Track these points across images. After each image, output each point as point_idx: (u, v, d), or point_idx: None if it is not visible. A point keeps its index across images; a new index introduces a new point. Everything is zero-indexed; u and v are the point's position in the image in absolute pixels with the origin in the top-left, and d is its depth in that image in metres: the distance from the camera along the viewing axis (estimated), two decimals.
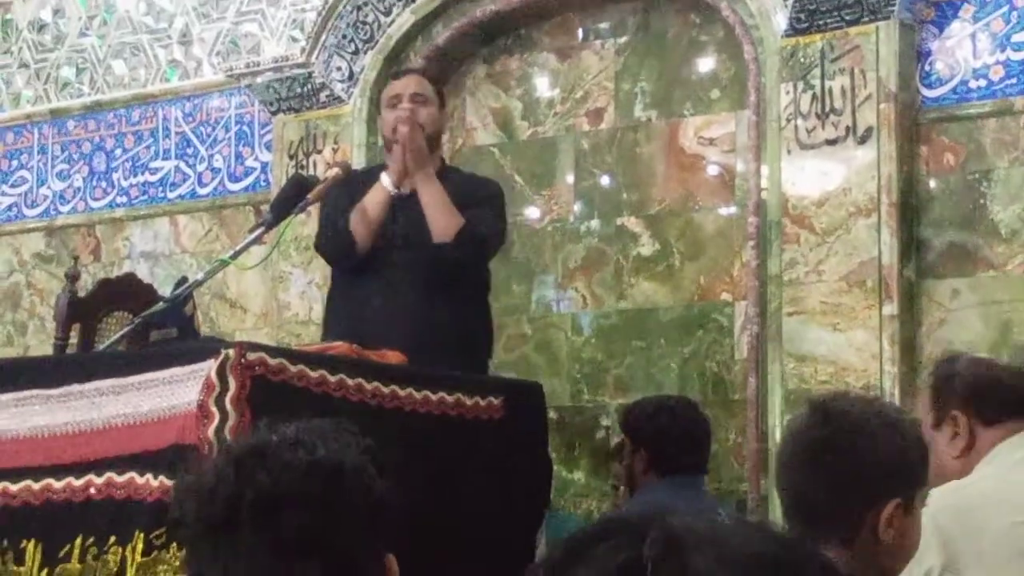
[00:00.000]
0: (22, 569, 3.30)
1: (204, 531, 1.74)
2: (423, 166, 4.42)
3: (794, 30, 5.43)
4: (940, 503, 2.80)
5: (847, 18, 5.33)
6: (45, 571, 3.27)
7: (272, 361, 3.27)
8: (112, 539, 3.19)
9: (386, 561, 1.80)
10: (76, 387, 3.39)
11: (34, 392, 3.46)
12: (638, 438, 4.65)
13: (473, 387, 3.95)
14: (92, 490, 3.28)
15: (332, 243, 4.52)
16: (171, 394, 3.27)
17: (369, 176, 4.60)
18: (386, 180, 4.45)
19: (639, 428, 4.66)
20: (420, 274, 4.35)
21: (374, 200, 4.44)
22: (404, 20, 6.36)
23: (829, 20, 5.36)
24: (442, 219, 4.34)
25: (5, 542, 3.34)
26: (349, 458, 1.78)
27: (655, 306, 5.95)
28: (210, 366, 3.17)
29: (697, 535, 1.06)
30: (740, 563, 1.04)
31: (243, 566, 1.71)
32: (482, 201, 4.47)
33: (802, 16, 5.39)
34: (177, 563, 3.12)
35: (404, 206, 4.45)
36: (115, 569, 3.17)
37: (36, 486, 3.37)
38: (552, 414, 4.88)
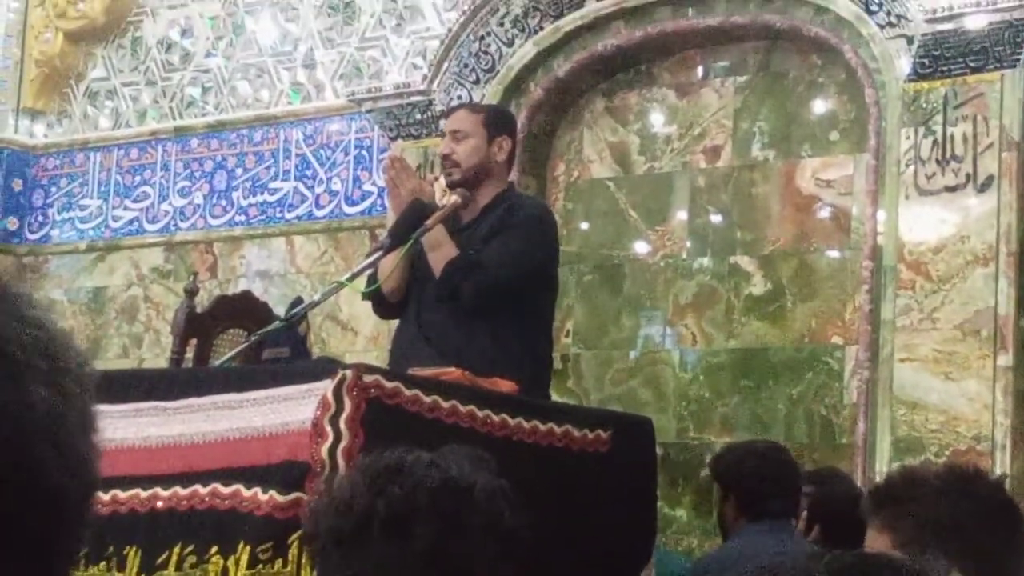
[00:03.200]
0: (122, 575, 3.35)
1: (336, 541, 1.78)
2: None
3: (917, 75, 5.39)
4: None
5: (972, 65, 5.29)
6: None
7: (388, 384, 3.30)
8: (214, 549, 3.23)
9: None
10: (194, 400, 3.45)
11: (152, 404, 3.52)
12: (727, 484, 4.63)
13: (582, 419, 3.96)
14: (196, 500, 3.32)
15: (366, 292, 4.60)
16: (285, 411, 3.31)
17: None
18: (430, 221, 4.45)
19: (727, 474, 4.64)
20: (445, 303, 4.38)
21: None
22: (526, 51, 6.41)
23: (953, 66, 5.32)
24: (432, 258, 4.38)
25: (111, 548, 3.39)
26: (481, 481, 1.81)
27: (765, 346, 5.93)
28: (327, 386, 3.21)
29: None
30: None
31: None
32: (511, 227, 4.45)
33: (926, 61, 5.36)
34: None
35: None
36: None
37: (144, 494, 3.42)
38: (657, 450, 4.87)
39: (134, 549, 3.35)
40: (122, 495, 3.44)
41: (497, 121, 4.67)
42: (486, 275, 4.31)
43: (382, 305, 4.68)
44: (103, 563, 3.38)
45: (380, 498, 1.76)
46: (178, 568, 3.27)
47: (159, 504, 3.38)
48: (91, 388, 0.94)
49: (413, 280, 4.53)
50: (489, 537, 1.79)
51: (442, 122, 6.28)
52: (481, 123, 4.57)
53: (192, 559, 3.25)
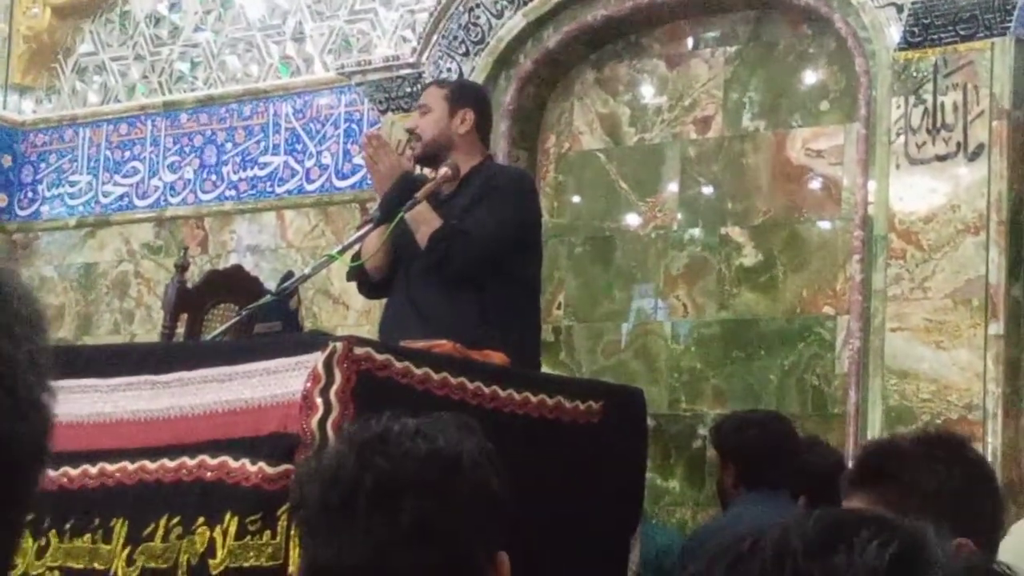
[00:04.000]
0: (108, 547, 3.36)
1: (322, 513, 1.77)
2: (390, 178, 4.46)
3: (907, 44, 5.38)
4: None
5: (962, 33, 5.28)
6: (128, 548, 3.32)
7: (379, 357, 3.31)
8: (200, 520, 3.23)
9: (498, 557, 1.82)
10: (185, 374, 3.45)
11: (143, 378, 3.53)
12: (726, 453, 4.65)
13: (574, 390, 3.97)
14: (183, 472, 3.32)
15: (353, 274, 4.61)
16: (275, 383, 3.31)
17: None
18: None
19: (726, 443, 4.66)
20: (432, 278, 4.39)
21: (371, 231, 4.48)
22: (515, 23, 6.38)
23: (944, 35, 5.31)
24: (417, 230, 4.40)
25: (97, 520, 3.40)
26: (468, 451, 1.80)
27: (756, 317, 5.93)
28: (317, 358, 3.21)
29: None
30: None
31: (359, 549, 1.74)
32: (491, 194, 4.48)
33: (916, 30, 5.35)
34: (270, 550, 3.15)
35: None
36: (202, 550, 3.21)
37: (131, 467, 3.42)
38: (649, 421, 4.88)
39: (120, 521, 3.36)
40: (110, 468, 3.44)
41: (460, 94, 4.73)
42: (471, 241, 4.33)
43: (367, 284, 4.69)
44: (88, 535, 3.39)
45: (367, 470, 1.75)
46: (164, 539, 3.28)
47: (146, 476, 3.38)
48: (43, 330, 0.92)
49: (399, 257, 4.54)
50: (477, 506, 1.78)
51: None
52: (443, 97, 4.65)
53: (178, 530, 3.25)
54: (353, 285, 6.49)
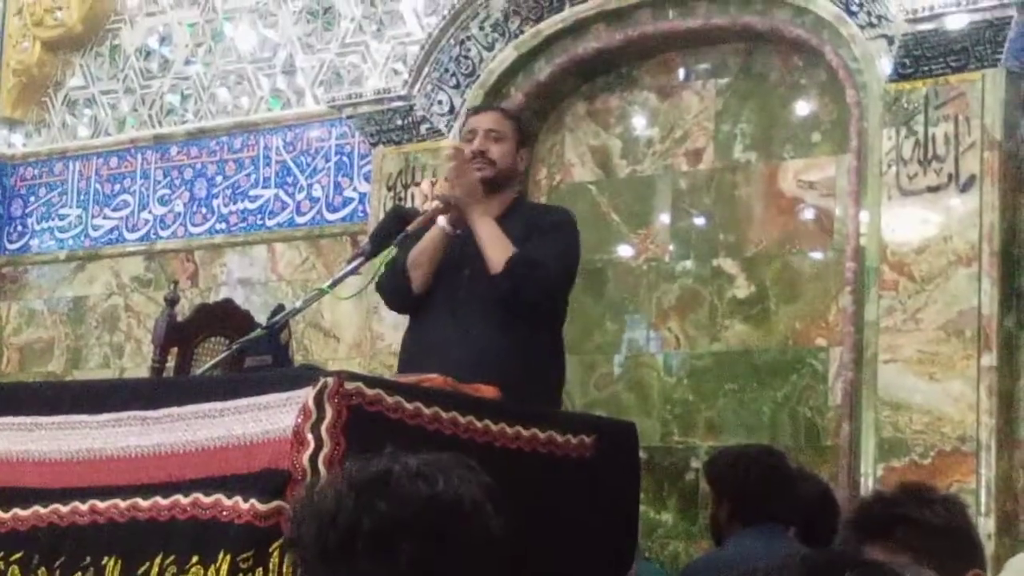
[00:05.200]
0: None
1: (320, 555, 1.75)
2: (473, 200, 4.39)
3: (898, 75, 5.39)
4: None
5: (953, 65, 5.28)
6: None
7: (369, 391, 3.27)
8: (194, 559, 3.20)
9: None
10: (175, 410, 3.42)
11: (132, 413, 3.49)
12: (720, 487, 4.62)
13: (566, 424, 3.94)
14: (177, 510, 3.29)
15: (388, 282, 4.53)
16: (266, 419, 3.28)
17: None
18: (443, 220, 4.42)
19: (721, 478, 4.63)
20: (484, 306, 4.35)
21: (430, 239, 4.43)
22: (506, 55, 6.39)
23: (934, 66, 5.31)
24: (493, 252, 4.33)
25: (88, 559, 3.36)
26: (468, 494, 1.78)
27: (749, 349, 5.91)
28: (308, 393, 3.18)
29: None
30: None
31: None
32: (547, 230, 4.46)
33: (907, 61, 5.35)
34: None
35: (472, 240, 4.43)
36: None
37: (123, 504, 3.38)
38: (641, 454, 4.86)
39: (113, 560, 3.32)
40: (101, 505, 3.41)
41: (525, 132, 4.75)
42: (548, 271, 4.31)
43: (407, 297, 4.55)
44: (79, 574, 3.35)
45: (366, 513, 1.73)
46: None
47: (139, 514, 3.35)
48: None
49: (442, 276, 4.47)
50: (475, 548, 1.76)
51: (423, 126, 6.27)
52: (514, 129, 4.62)
53: (172, 569, 3.22)
54: (344, 318, 6.48)
